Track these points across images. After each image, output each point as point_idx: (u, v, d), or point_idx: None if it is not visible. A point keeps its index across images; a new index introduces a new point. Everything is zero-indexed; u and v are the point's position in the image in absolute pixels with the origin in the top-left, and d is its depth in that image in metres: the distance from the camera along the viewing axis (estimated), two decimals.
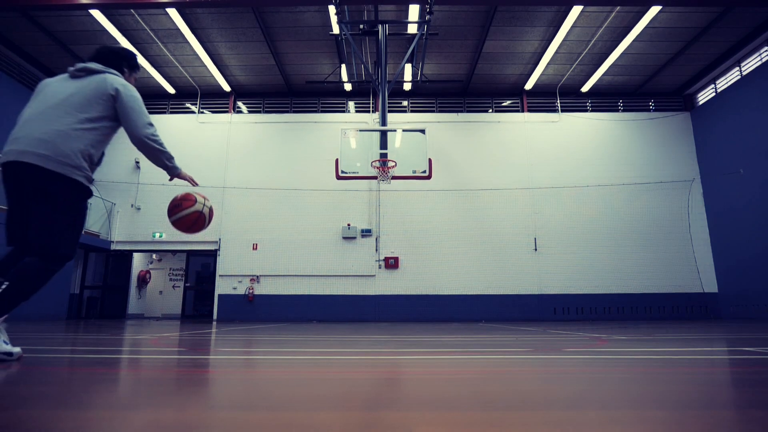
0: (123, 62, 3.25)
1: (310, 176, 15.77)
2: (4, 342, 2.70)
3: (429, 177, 10.72)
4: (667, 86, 16.53)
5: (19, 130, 2.79)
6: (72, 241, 2.79)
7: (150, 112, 16.59)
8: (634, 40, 13.73)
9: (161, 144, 3.14)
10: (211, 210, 3.66)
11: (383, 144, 10.79)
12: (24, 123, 2.82)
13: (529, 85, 16.28)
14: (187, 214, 3.52)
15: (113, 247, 15.56)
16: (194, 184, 3.49)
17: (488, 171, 16.01)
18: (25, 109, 2.92)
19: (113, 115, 2.97)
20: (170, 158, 3.22)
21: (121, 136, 3.15)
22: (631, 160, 16.07)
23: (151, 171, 15.83)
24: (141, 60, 14.60)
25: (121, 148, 16.18)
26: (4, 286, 2.53)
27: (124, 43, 13.67)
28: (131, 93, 3.01)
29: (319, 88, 16.34)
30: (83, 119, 2.84)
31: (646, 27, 13.09)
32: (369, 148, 10.86)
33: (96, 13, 12.47)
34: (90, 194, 2.95)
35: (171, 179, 3.42)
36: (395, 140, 11.11)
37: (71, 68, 3.01)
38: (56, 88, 2.93)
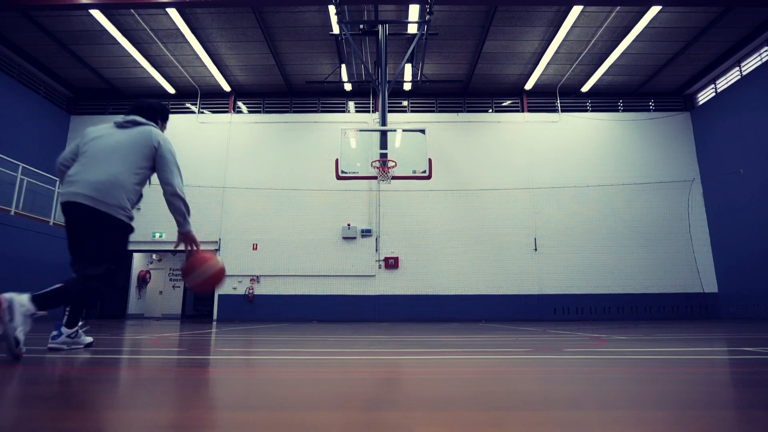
0: (158, 115, 3.70)
1: (310, 176, 15.77)
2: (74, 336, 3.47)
3: (429, 177, 10.72)
4: (667, 86, 16.53)
5: (75, 174, 3.23)
6: (110, 269, 3.20)
7: None
8: (634, 40, 13.74)
9: (186, 201, 3.48)
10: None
11: (383, 144, 10.79)
12: (79, 167, 3.25)
13: (529, 85, 16.29)
14: (215, 270, 3.60)
15: None
16: (197, 247, 3.59)
17: (488, 171, 16.01)
18: (80, 156, 3.33)
19: (152, 165, 3.39)
20: (189, 214, 3.51)
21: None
22: (631, 160, 16.07)
23: None
24: (141, 60, 14.61)
25: None
26: (56, 287, 2.94)
27: (124, 43, 13.68)
28: (170, 147, 3.45)
29: (319, 88, 16.35)
30: (130, 167, 3.27)
31: (646, 27, 13.09)
32: (369, 148, 10.85)
33: (96, 13, 12.48)
34: (131, 230, 3.46)
35: (179, 241, 3.61)
36: (395, 140, 11.12)
37: (119, 119, 3.45)
38: (106, 137, 3.37)
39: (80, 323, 3.63)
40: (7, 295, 2.67)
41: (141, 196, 3.44)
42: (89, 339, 3.83)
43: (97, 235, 3.22)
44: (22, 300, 2.72)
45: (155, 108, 3.68)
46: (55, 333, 3.48)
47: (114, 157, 3.26)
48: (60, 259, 13.21)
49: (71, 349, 3.51)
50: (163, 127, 3.77)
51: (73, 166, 3.31)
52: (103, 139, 3.35)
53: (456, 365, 2.90)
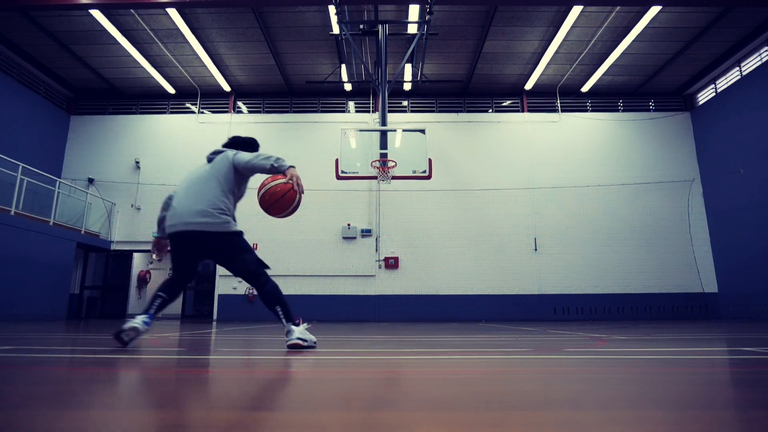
0: (247, 147, 4.14)
1: (310, 176, 15.73)
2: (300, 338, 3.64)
3: (429, 177, 10.73)
4: (667, 86, 16.53)
5: (178, 206, 3.70)
6: (256, 259, 3.78)
7: (149, 113, 16.72)
8: (634, 40, 13.74)
9: (275, 159, 3.81)
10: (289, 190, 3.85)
11: (383, 144, 10.79)
12: (180, 200, 3.73)
13: (529, 85, 16.29)
14: (279, 187, 3.82)
15: (113, 247, 15.57)
16: (300, 189, 3.88)
17: (488, 171, 16.02)
18: (177, 189, 3.86)
19: (238, 178, 3.86)
20: (277, 162, 3.83)
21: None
22: (631, 160, 16.08)
23: (151, 171, 15.86)
24: (141, 60, 14.61)
25: (121, 148, 16.21)
26: (261, 288, 3.72)
27: (124, 43, 13.69)
28: (244, 156, 3.85)
29: (319, 88, 16.35)
30: (222, 187, 3.74)
31: (646, 27, 13.09)
32: (369, 148, 10.86)
33: (96, 13, 12.48)
34: (242, 232, 3.84)
35: (288, 179, 3.83)
36: (395, 140, 11.12)
37: (208, 155, 4.00)
38: (198, 170, 3.89)
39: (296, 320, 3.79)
40: (293, 338, 3.59)
41: (243, 194, 4.04)
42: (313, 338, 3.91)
43: (227, 251, 3.80)
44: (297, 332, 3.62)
45: (244, 140, 4.18)
46: (288, 332, 3.64)
47: (207, 183, 3.77)
48: (60, 260, 13.24)
49: (308, 343, 3.70)
50: (251, 150, 4.19)
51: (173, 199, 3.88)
52: (195, 173, 3.91)
53: (456, 365, 2.90)
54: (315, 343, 3.81)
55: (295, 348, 3.59)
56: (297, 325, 3.70)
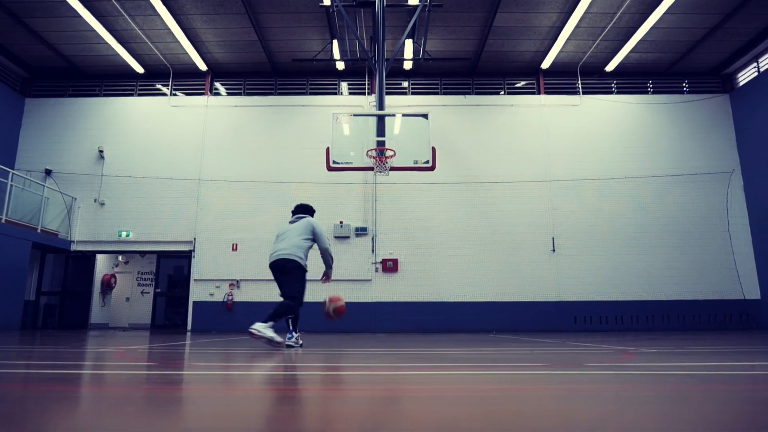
0: (311, 212, 7.46)
1: (298, 167, 15.75)
2: (289, 337, 6.50)
3: (432, 168, 10.71)
4: (703, 65, 16.53)
5: (276, 247, 6.89)
6: (298, 292, 6.68)
7: (115, 95, 16.71)
8: (665, 13, 13.72)
9: (331, 254, 7.13)
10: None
11: (380, 131, 10.77)
12: (277, 243, 6.92)
13: (546, 64, 16.27)
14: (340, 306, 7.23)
15: (74, 247, 15.54)
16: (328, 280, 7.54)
17: (500, 161, 16.01)
18: (277, 238, 7.08)
19: (313, 238, 6.98)
20: (331, 255, 7.14)
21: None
22: (662, 148, 16.07)
23: (117, 161, 15.79)
24: (105, 35, 14.54)
25: (83, 135, 16.17)
26: (276, 307, 6.47)
27: (86, 15, 13.61)
28: (321, 228, 7.07)
29: (308, 67, 16.31)
30: (302, 238, 6.88)
31: None
32: (364, 136, 10.84)
33: None
34: (306, 271, 6.89)
35: (326, 279, 7.51)
36: (394, 126, 11.10)
37: (292, 218, 7.27)
38: (289, 227, 7.07)
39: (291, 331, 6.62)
40: (256, 326, 6.21)
41: (309, 248, 7.08)
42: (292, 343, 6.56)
43: (290, 274, 6.74)
44: (259, 326, 6.23)
45: (308, 208, 7.51)
46: (288, 336, 6.48)
47: (293, 234, 6.96)
48: (13, 262, 13.20)
49: (299, 345, 6.54)
50: (313, 215, 7.43)
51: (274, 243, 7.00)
52: (287, 229, 7.11)
53: (463, 382, 2.90)
54: (277, 344, 6.26)
55: (251, 335, 6.23)
56: (292, 334, 6.50)
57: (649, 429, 1.59)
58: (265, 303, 14.76)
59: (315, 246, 7.11)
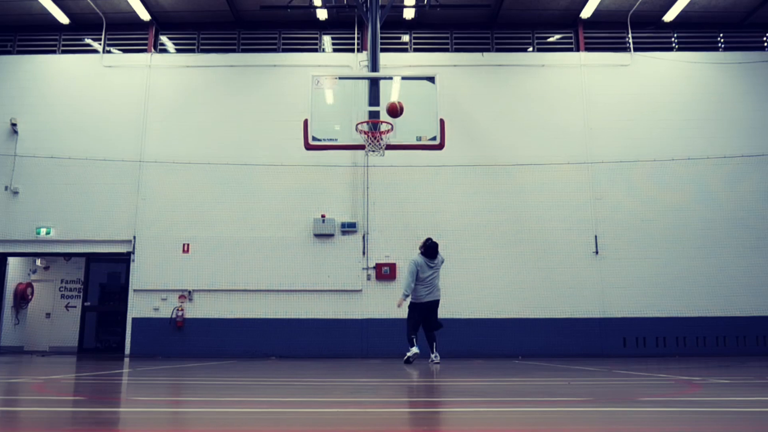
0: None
1: (267, 145, 15.69)
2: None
3: (441, 147, 10.73)
4: None
5: (427, 288, 10.75)
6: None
7: (32, 52, 16.64)
8: None
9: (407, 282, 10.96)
10: None
11: (374, 98, 10.77)
12: (427, 285, 10.73)
13: (587, 13, 16.23)
14: None
15: None
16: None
17: (527, 138, 15.97)
18: (424, 277, 10.71)
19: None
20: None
21: None
22: (736, 121, 16.07)
23: (35, 137, 15.64)
24: None
25: None
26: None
27: None
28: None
29: (280, 15, 16.23)
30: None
31: None
32: (353, 105, 10.84)
33: None
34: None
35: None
36: (391, 92, 11.08)
37: (432, 261, 10.72)
38: (430, 267, 10.70)
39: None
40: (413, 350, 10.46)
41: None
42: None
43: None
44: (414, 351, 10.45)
45: (437, 246, 10.74)
46: (433, 355, 10.35)
47: (436, 274, 10.86)
48: None
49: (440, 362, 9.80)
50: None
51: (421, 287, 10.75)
52: (429, 269, 10.69)
53: (481, 423, 2.90)
54: (414, 354, 10.30)
55: (436, 365, 9.71)
56: (436, 354, 10.48)
57: None
58: (224, 320, 14.78)
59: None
